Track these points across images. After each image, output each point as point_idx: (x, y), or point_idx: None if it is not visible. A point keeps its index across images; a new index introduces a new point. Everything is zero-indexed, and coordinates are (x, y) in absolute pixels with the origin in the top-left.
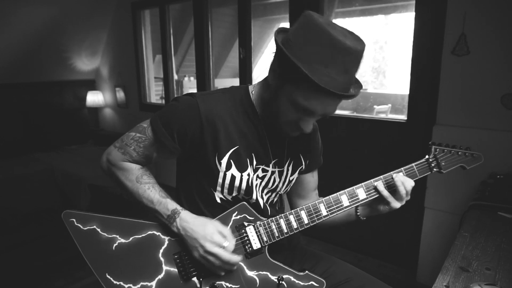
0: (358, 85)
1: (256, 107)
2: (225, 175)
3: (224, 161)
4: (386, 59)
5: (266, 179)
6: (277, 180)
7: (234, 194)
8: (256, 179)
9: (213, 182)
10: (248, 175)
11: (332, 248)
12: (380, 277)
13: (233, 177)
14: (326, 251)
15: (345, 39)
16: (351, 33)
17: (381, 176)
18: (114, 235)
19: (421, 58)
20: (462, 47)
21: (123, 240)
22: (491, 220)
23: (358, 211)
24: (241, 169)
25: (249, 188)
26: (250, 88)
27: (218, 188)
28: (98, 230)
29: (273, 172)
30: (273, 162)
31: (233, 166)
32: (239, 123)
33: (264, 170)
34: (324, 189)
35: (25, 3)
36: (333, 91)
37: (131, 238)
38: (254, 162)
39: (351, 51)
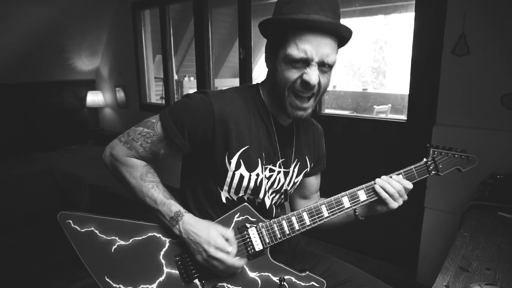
0: (345, 27)
1: (267, 105)
2: (233, 174)
3: (234, 160)
4: (386, 59)
5: (272, 179)
6: (282, 180)
7: (240, 194)
8: (264, 179)
9: (220, 181)
10: (257, 175)
11: (332, 248)
12: (380, 277)
13: (241, 177)
14: (326, 251)
15: None
16: None
17: (380, 178)
18: (113, 237)
19: (421, 58)
20: (462, 47)
21: (122, 242)
22: (491, 220)
23: (356, 211)
24: (250, 169)
25: (257, 188)
26: (260, 87)
27: (225, 188)
28: (96, 232)
29: (278, 172)
30: (280, 161)
31: (243, 165)
32: (251, 122)
33: (271, 170)
34: (324, 189)
35: (25, 3)
36: (309, 19)
37: (131, 240)
38: (264, 162)
39: None
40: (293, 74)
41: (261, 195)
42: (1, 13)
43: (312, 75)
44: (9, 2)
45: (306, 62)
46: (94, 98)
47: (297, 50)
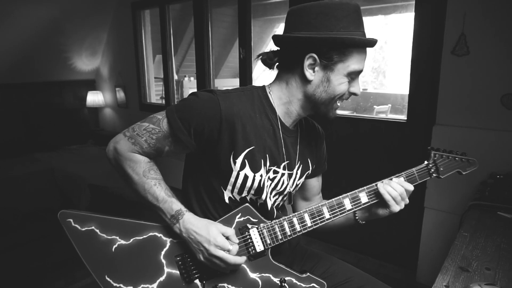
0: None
1: (275, 107)
2: (238, 174)
3: (239, 160)
4: (386, 59)
5: (276, 180)
6: (286, 182)
7: (243, 195)
8: (267, 180)
9: (224, 180)
10: (261, 176)
11: (332, 248)
12: (380, 277)
13: (245, 177)
14: (326, 251)
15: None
16: None
17: (382, 180)
18: (114, 236)
19: (421, 58)
20: (462, 47)
21: (123, 242)
22: (491, 220)
23: (356, 215)
24: (255, 169)
25: (260, 188)
26: (267, 88)
27: (229, 187)
28: (97, 231)
29: (283, 174)
30: (284, 163)
31: (247, 166)
32: (257, 123)
33: (275, 172)
34: (324, 189)
35: (25, 3)
36: (373, 40)
37: (131, 240)
38: (268, 163)
39: (356, 8)
40: (346, 86)
41: (263, 196)
42: (1, 13)
43: (358, 86)
44: (9, 2)
45: (358, 74)
46: (94, 98)
47: (358, 64)
